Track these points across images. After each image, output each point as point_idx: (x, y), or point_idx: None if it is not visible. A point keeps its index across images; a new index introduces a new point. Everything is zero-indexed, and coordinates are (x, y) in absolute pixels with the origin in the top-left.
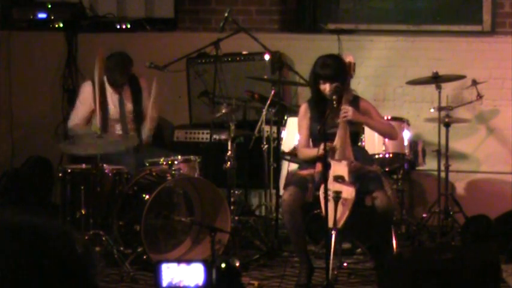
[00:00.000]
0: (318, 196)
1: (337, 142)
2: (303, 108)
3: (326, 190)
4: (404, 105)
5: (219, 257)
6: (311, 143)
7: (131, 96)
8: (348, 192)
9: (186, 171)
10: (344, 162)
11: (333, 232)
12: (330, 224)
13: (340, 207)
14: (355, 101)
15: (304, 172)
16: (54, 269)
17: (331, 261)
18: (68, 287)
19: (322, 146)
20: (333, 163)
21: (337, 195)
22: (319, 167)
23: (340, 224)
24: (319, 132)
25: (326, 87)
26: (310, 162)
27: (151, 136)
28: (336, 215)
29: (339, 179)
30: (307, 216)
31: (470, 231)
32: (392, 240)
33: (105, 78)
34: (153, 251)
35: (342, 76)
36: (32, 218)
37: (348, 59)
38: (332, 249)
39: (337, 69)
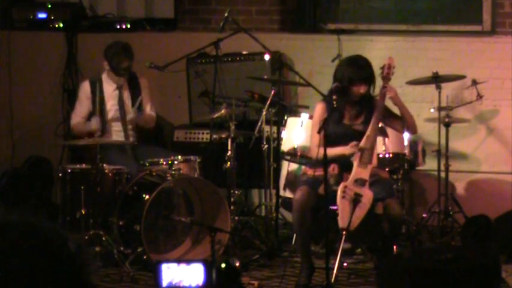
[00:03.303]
0: (334, 192)
1: (365, 143)
2: (321, 107)
3: (327, 191)
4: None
5: (219, 257)
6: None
7: (130, 93)
8: (368, 197)
9: (186, 171)
10: (368, 167)
11: (343, 233)
12: (343, 224)
13: (357, 210)
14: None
15: (316, 172)
16: (46, 267)
17: (336, 262)
18: (62, 286)
19: (351, 145)
20: (356, 165)
21: (357, 198)
22: (334, 168)
23: (354, 226)
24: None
25: (360, 89)
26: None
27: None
28: (352, 217)
29: (360, 181)
30: (317, 215)
31: (470, 231)
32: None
33: (103, 75)
34: (153, 251)
35: (374, 77)
36: (22, 217)
37: (389, 61)
38: (340, 251)
39: (371, 70)
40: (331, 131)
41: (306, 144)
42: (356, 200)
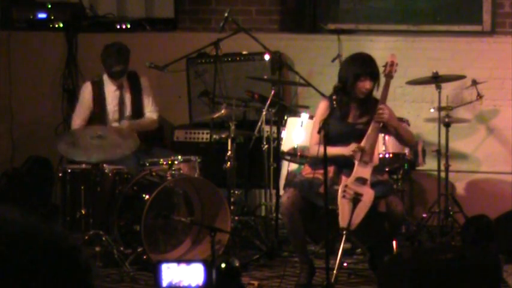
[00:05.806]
0: (335, 191)
1: (365, 143)
2: (324, 105)
3: (326, 192)
4: (404, 105)
5: (219, 257)
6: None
7: (130, 93)
8: (368, 195)
9: (186, 171)
10: (369, 166)
11: (344, 233)
12: (343, 223)
13: (358, 209)
14: (376, 105)
15: (312, 173)
16: (49, 271)
17: (337, 262)
18: None
19: (351, 146)
20: (357, 164)
21: (357, 197)
22: (329, 171)
23: (354, 226)
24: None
25: (366, 85)
26: (322, 162)
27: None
28: (352, 216)
29: (360, 180)
30: (316, 214)
31: (470, 231)
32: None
33: (104, 76)
34: (153, 251)
35: (379, 73)
36: (22, 218)
37: (392, 58)
38: (341, 250)
39: (376, 66)
40: (335, 129)
41: (306, 144)
42: (356, 199)
